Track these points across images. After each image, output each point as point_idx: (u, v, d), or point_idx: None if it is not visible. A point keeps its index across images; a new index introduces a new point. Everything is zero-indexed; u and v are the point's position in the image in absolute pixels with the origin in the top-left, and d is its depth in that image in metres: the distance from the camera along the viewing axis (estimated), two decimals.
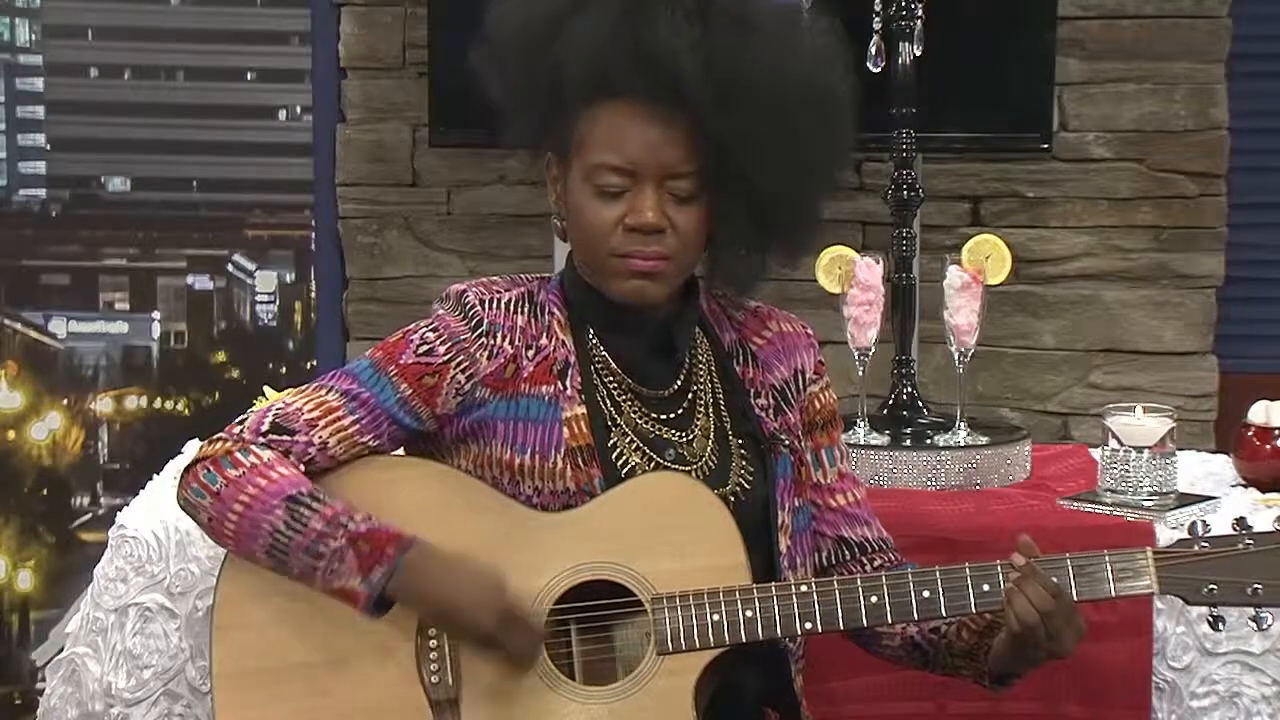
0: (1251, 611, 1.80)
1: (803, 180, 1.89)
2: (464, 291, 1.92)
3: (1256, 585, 1.78)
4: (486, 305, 1.90)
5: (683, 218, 1.85)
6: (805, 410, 2.00)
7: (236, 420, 1.88)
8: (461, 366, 1.87)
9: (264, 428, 1.84)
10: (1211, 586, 1.79)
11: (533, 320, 1.91)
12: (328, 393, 1.87)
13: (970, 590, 1.81)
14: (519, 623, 1.78)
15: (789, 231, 1.93)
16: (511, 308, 1.91)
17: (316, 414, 1.85)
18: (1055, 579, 1.79)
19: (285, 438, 1.84)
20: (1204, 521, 1.83)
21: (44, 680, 2.52)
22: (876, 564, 2.02)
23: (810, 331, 2.04)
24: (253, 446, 1.83)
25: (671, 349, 1.94)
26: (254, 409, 1.91)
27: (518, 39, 1.87)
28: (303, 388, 1.90)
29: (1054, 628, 1.78)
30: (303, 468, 1.83)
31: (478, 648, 1.79)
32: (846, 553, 2.01)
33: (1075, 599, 1.79)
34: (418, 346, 1.88)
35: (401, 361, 1.87)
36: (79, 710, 2.39)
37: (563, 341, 1.91)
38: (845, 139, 1.91)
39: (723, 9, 1.84)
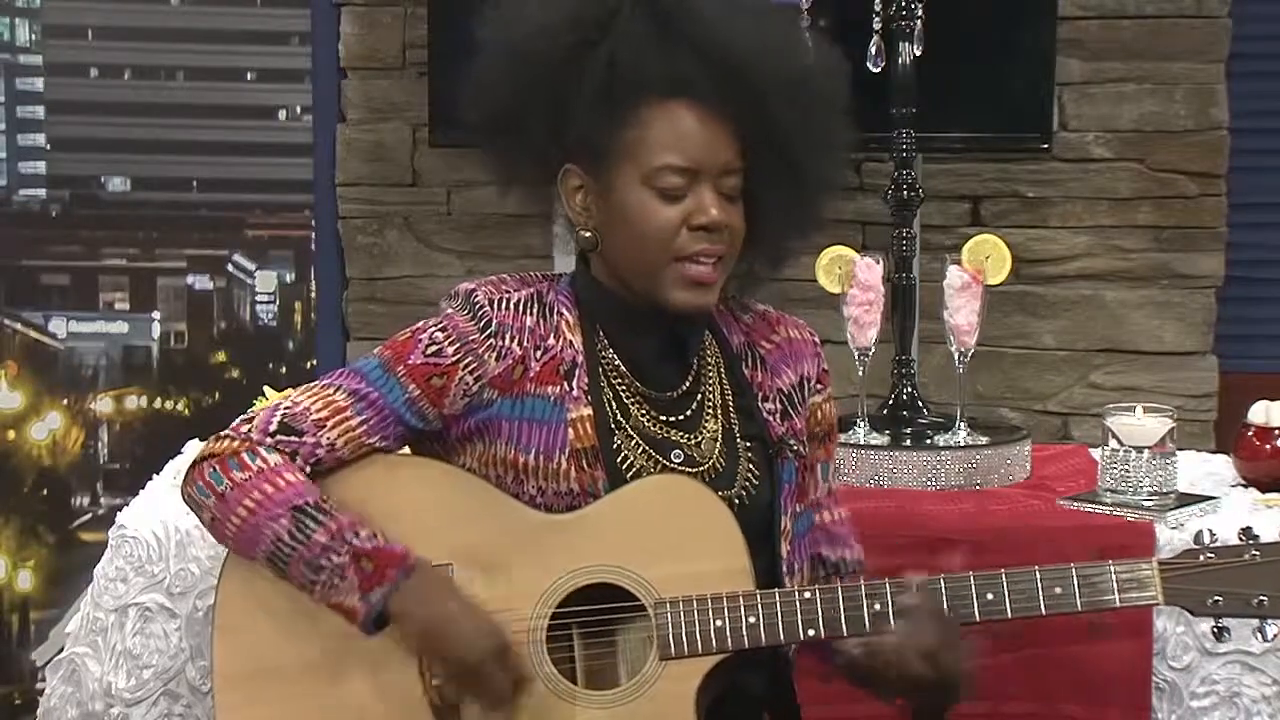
0: (1255, 622, 1.77)
1: (836, 169, 1.91)
2: (473, 291, 1.90)
3: (1261, 597, 1.75)
4: (496, 306, 1.89)
5: (734, 216, 1.85)
6: (807, 420, 1.98)
7: (243, 418, 1.86)
8: (470, 368, 1.86)
9: (272, 428, 1.83)
10: (1216, 598, 1.76)
11: (541, 321, 1.90)
12: (335, 392, 1.86)
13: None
14: (510, 660, 1.76)
15: (813, 226, 1.94)
16: (520, 308, 1.89)
17: (325, 414, 1.84)
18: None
19: (293, 438, 1.83)
20: (1211, 530, 1.79)
21: (44, 680, 2.52)
22: None
23: (816, 340, 2.01)
24: (260, 449, 1.81)
25: (681, 351, 1.93)
26: (255, 408, 1.90)
27: (543, 48, 1.83)
28: (310, 386, 1.88)
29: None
30: (309, 469, 1.82)
31: (456, 677, 1.76)
32: (821, 571, 1.99)
33: (1080, 608, 1.78)
34: (426, 347, 1.87)
35: (410, 361, 1.86)
36: (79, 710, 2.39)
37: (570, 342, 1.89)
38: (847, 125, 1.91)
39: (754, 1, 1.86)
